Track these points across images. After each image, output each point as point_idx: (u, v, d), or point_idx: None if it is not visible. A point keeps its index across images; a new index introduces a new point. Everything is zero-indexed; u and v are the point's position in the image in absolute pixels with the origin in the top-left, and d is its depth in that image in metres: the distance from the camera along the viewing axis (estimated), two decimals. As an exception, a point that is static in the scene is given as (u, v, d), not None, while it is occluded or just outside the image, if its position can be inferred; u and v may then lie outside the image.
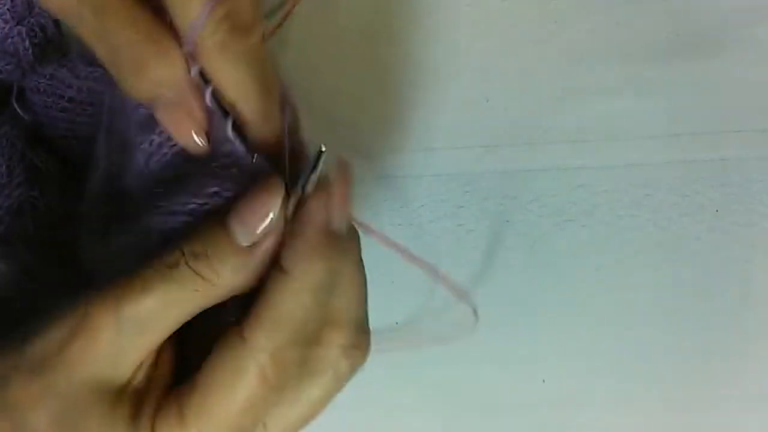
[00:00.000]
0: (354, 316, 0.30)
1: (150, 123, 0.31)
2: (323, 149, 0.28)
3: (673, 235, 0.41)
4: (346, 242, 0.29)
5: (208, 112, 0.29)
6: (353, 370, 0.30)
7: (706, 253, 0.41)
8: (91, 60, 0.37)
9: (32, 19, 0.41)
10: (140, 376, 0.29)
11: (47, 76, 0.38)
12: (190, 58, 0.28)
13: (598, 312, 0.42)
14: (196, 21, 0.27)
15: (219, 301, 0.28)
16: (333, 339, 0.29)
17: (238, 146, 0.29)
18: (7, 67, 0.40)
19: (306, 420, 0.30)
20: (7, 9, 0.40)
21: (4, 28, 0.40)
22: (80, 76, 0.37)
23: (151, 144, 0.31)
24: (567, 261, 0.42)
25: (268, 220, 0.27)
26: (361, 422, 0.43)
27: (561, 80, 0.42)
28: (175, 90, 0.28)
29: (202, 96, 0.29)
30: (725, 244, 0.41)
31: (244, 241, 0.27)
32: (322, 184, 0.28)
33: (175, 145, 0.30)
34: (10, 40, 0.40)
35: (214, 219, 0.28)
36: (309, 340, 0.29)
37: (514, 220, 0.42)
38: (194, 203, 0.29)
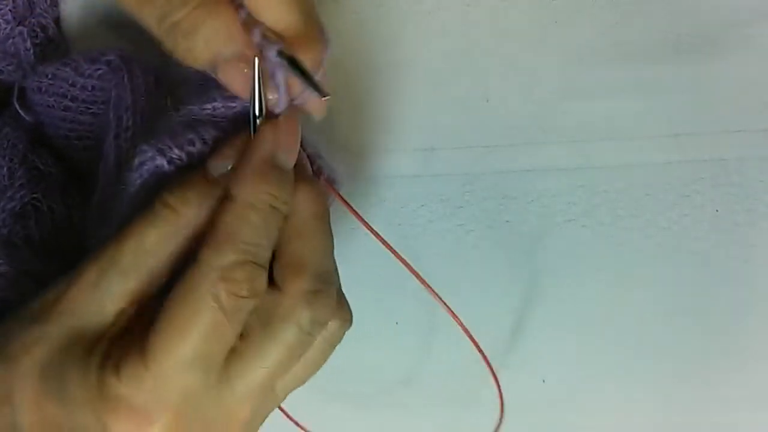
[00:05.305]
0: (316, 263, 0.31)
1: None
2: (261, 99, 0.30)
3: (673, 235, 0.41)
4: (305, 184, 0.31)
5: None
6: (316, 323, 0.31)
7: (706, 253, 0.41)
8: (95, 58, 0.38)
9: (33, 20, 0.41)
10: (120, 323, 0.30)
11: (49, 76, 0.38)
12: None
13: (598, 312, 0.42)
14: None
15: (188, 232, 0.30)
16: (294, 285, 0.30)
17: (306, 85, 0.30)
18: (8, 67, 0.40)
19: (271, 378, 0.31)
20: (9, 9, 0.40)
21: (5, 28, 0.40)
22: (85, 74, 0.37)
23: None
24: (567, 261, 0.42)
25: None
26: (361, 422, 0.43)
27: (561, 80, 0.42)
28: (231, 45, 0.29)
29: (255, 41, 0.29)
30: (725, 244, 0.41)
31: (215, 173, 0.30)
32: (272, 123, 0.31)
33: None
34: (11, 40, 0.40)
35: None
36: (268, 289, 0.30)
37: (514, 220, 0.42)
38: None
